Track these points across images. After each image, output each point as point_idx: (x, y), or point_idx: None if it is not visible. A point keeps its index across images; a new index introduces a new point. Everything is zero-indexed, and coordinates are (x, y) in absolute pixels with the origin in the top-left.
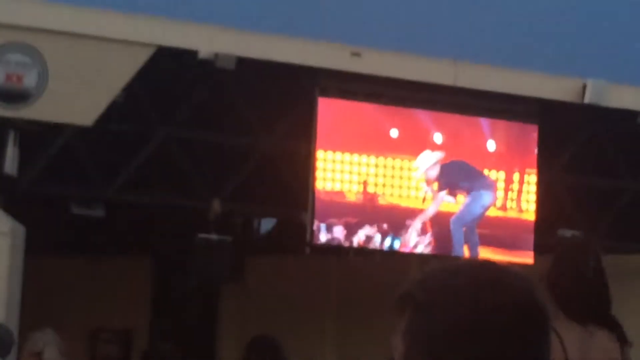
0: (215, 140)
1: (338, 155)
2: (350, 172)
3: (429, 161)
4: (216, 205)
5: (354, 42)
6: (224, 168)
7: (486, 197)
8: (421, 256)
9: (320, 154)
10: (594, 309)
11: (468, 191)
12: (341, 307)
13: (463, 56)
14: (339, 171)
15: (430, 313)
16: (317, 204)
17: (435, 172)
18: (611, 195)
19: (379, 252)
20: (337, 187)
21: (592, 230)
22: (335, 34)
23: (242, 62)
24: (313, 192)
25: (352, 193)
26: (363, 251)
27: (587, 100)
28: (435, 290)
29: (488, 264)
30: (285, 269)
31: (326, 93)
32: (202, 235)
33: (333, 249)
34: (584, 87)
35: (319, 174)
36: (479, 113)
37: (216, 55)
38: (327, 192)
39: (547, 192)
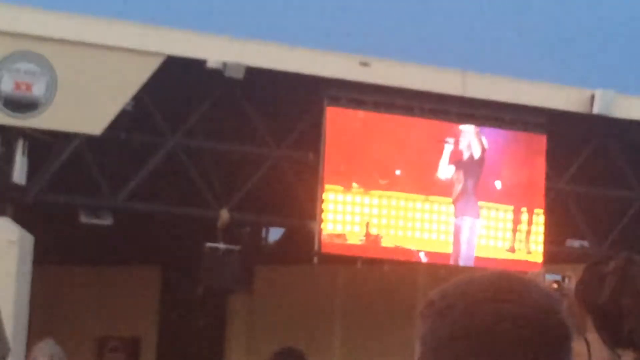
0: (223, 149)
1: (340, 196)
2: (353, 213)
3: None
4: (224, 215)
5: (363, 52)
6: (232, 177)
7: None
8: (428, 265)
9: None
10: (625, 332)
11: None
12: (349, 316)
13: (471, 66)
14: (341, 212)
15: (447, 319)
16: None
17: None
18: (620, 205)
19: (387, 262)
20: (339, 229)
21: (601, 240)
22: (344, 44)
23: (250, 71)
24: (321, 200)
25: (355, 235)
26: (371, 260)
27: (595, 110)
28: (454, 297)
29: (512, 276)
30: (294, 278)
31: (335, 102)
32: (210, 245)
33: (341, 258)
34: (593, 98)
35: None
36: (487, 123)
37: (225, 64)
38: (329, 235)
39: (556, 202)
